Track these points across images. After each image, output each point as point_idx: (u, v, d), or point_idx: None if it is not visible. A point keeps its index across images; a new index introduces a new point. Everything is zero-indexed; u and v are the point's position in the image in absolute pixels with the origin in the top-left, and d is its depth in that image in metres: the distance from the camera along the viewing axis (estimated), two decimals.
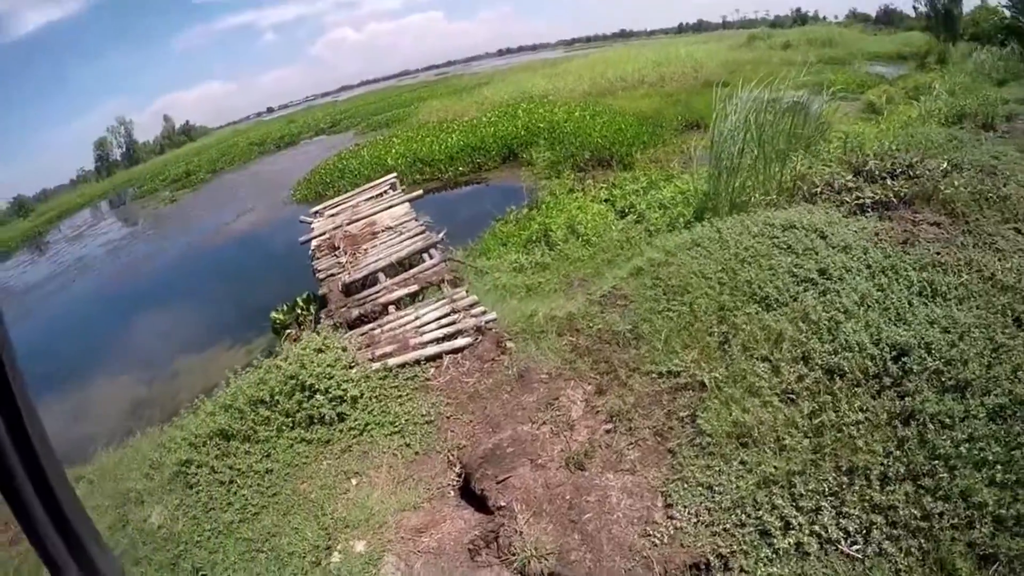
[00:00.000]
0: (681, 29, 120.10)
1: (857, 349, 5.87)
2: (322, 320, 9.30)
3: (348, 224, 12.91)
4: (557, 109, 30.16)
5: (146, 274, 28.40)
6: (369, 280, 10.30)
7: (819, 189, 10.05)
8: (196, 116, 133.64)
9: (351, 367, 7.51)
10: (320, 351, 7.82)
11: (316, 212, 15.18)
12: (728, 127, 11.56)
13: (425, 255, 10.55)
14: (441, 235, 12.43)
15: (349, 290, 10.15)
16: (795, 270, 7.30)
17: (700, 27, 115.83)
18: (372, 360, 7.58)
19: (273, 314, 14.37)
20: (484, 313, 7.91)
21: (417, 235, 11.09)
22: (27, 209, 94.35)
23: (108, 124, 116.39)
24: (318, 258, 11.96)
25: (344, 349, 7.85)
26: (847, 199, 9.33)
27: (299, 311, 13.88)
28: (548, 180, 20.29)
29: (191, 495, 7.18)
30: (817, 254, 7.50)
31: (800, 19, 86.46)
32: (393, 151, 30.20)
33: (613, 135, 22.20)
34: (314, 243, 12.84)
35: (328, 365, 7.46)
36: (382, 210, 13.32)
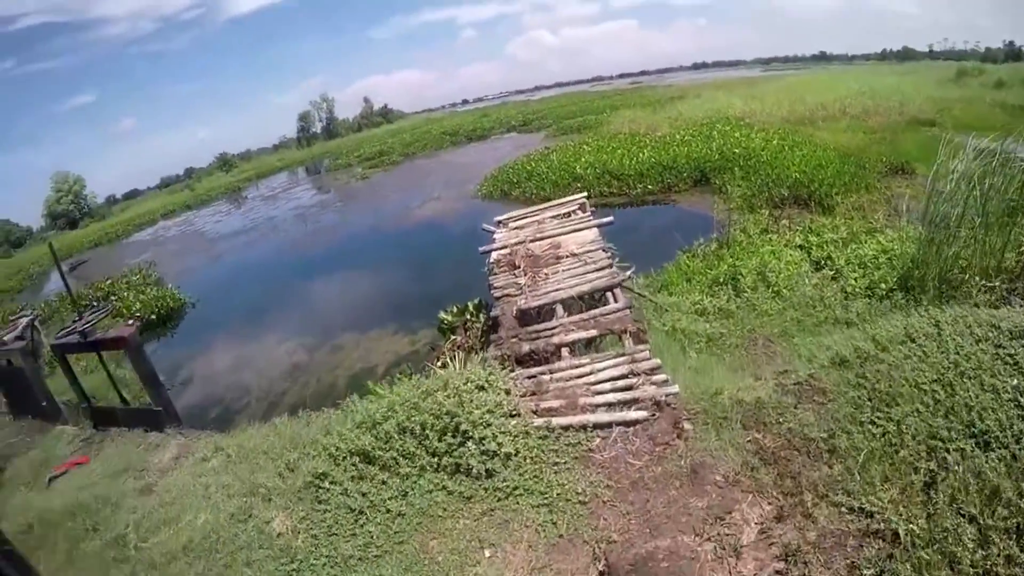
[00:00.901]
0: (884, 56, 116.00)
1: None
2: (491, 347, 8.49)
3: (531, 241, 12.09)
4: (754, 135, 28.50)
5: (328, 244, 29.72)
6: (545, 310, 9.43)
7: None
8: (393, 100, 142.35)
9: (512, 416, 6.63)
10: (482, 388, 7.01)
11: (500, 222, 14.50)
12: (948, 186, 9.87)
13: (609, 294, 9.53)
14: (629, 274, 11.38)
15: (523, 317, 9.34)
16: (1022, 399, 5.57)
17: (905, 55, 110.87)
18: (535, 413, 6.65)
19: (442, 314, 14.12)
20: (665, 383, 6.70)
21: (603, 268, 10.02)
22: (230, 165, 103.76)
23: (311, 99, 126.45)
24: (496, 273, 11.23)
25: (508, 392, 6.99)
26: None
27: (468, 316, 13.40)
28: (741, 214, 18.87)
29: (318, 511, 6.71)
30: None
31: (1014, 54, 78.96)
32: (582, 159, 29.56)
33: (812, 171, 20.37)
34: (494, 255, 12.12)
35: (488, 410, 6.61)
36: (569, 232, 12.38)
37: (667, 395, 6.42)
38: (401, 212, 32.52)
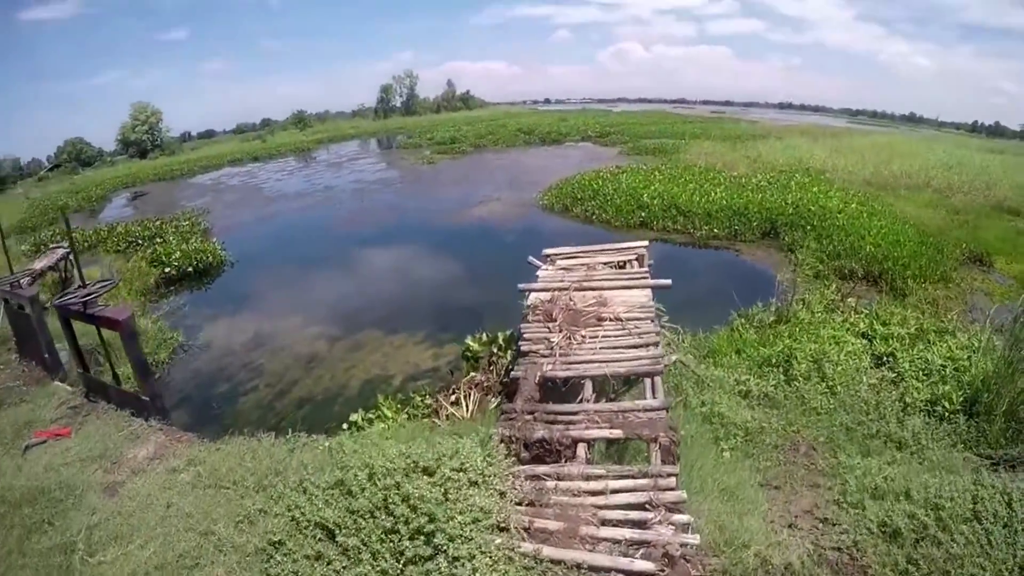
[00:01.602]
0: (975, 128, 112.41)
1: None
2: (502, 417, 7.40)
3: (576, 289, 10.97)
4: (833, 193, 27.05)
5: (377, 227, 29.06)
6: (571, 383, 8.38)
7: None
8: (477, 88, 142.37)
9: (500, 529, 5.59)
10: (474, 484, 6.00)
11: (548, 257, 13.37)
12: None
13: (648, 383, 8.40)
14: (675, 358, 10.30)
15: (546, 385, 8.30)
16: None
17: (996, 131, 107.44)
18: (527, 532, 5.59)
19: (469, 340, 13.28)
20: (687, 528, 5.55)
21: (648, 346, 8.86)
22: (304, 123, 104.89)
23: (395, 74, 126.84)
24: (529, 321, 10.22)
25: (502, 495, 5.96)
26: None
27: (495, 350, 12.48)
28: (807, 281, 17.62)
29: None
30: None
31: None
32: (652, 188, 28.44)
33: (889, 246, 19.01)
34: (532, 297, 11.12)
35: (473, 518, 5.59)
36: (619, 287, 11.19)
37: (684, 545, 5.30)
38: (458, 207, 31.66)
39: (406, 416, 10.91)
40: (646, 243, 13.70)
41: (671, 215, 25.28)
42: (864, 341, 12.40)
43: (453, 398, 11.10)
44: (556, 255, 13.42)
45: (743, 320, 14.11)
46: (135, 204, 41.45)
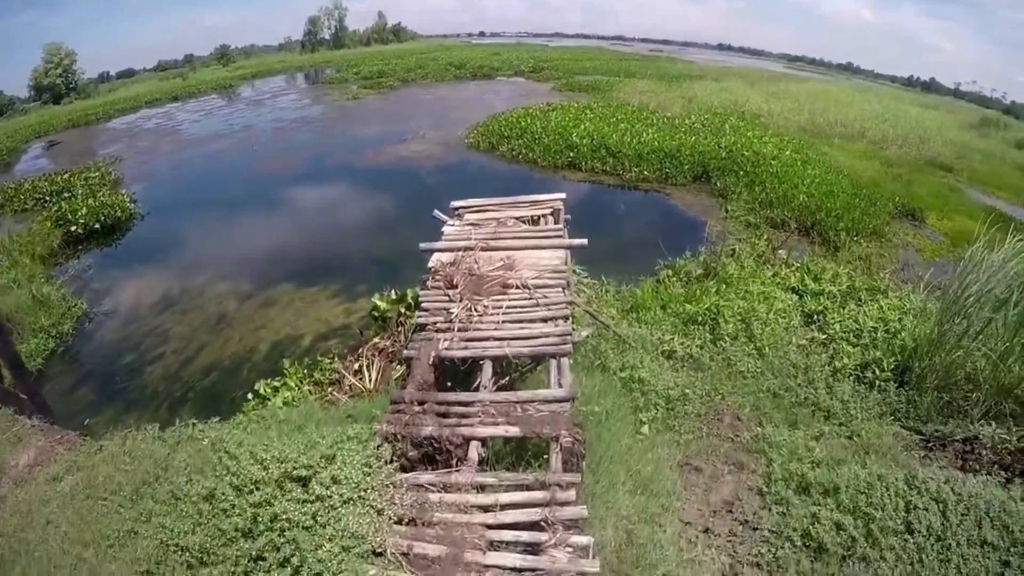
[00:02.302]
0: (911, 82, 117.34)
1: None
2: (386, 416, 6.54)
3: (483, 248, 10.03)
4: (767, 138, 26.78)
5: (295, 169, 27.57)
6: (469, 363, 7.63)
7: None
8: (409, 20, 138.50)
9: (375, 554, 4.89)
10: (349, 501, 5.25)
11: (455, 210, 12.40)
12: (982, 275, 8.50)
13: (554, 365, 7.68)
14: (585, 333, 9.59)
15: (441, 365, 7.53)
16: None
17: (931, 86, 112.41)
18: (405, 558, 4.85)
19: (376, 299, 12.57)
20: (586, 552, 4.78)
21: (557, 319, 8.12)
22: (228, 59, 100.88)
23: (323, 5, 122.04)
24: (428, 287, 9.33)
25: (380, 513, 5.23)
26: None
27: (404, 310, 11.69)
28: (737, 227, 17.48)
29: None
30: None
31: None
32: (582, 127, 27.55)
33: (822, 197, 18.83)
34: (434, 258, 10.15)
35: (343, 547, 4.86)
36: (530, 247, 10.26)
37: (581, 574, 4.66)
38: (380, 146, 30.28)
39: (312, 384, 10.32)
40: (562, 196, 12.78)
41: (600, 156, 24.54)
42: (795, 297, 12.14)
43: (356, 366, 10.31)
44: (465, 208, 12.53)
45: (670, 272, 13.61)
46: (49, 154, 38.68)
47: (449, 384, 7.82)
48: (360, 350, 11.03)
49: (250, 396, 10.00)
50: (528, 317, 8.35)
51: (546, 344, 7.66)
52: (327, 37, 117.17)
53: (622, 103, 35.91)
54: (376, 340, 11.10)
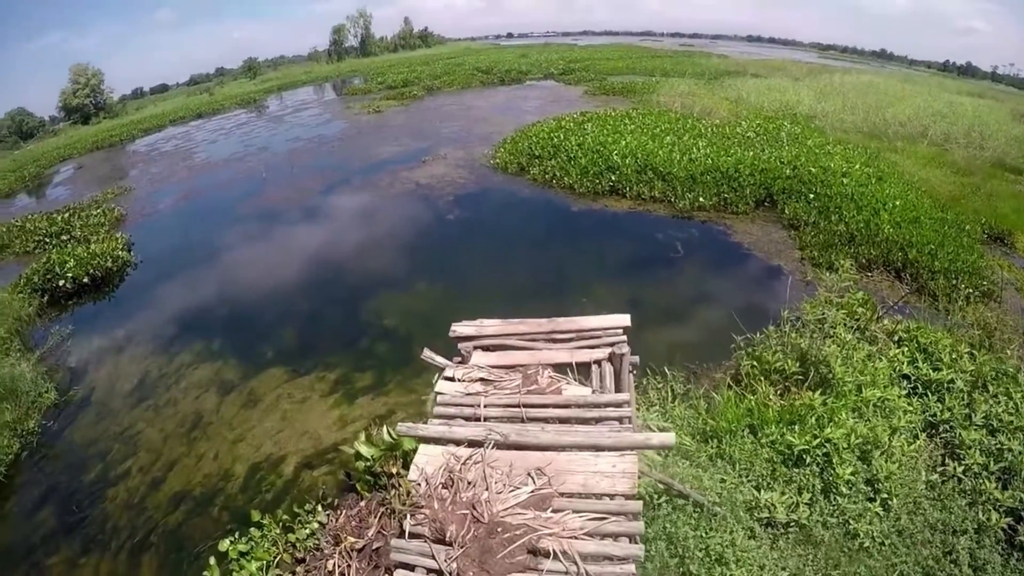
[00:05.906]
0: (946, 67, 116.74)
1: None
2: None
3: (496, 446, 6.49)
4: (832, 149, 23.76)
5: (301, 205, 24.95)
6: None
7: None
8: (436, 24, 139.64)
9: None
10: None
11: (460, 340, 8.56)
12: None
13: None
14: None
15: None
16: None
17: (968, 70, 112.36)
18: None
19: (358, 444, 8.97)
20: None
21: None
22: (255, 72, 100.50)
23: (349, 13, 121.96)
24: (410, 531, 5.76)
25: None
26: None
27: (395, 470, 8.08)
28: (816, 274, 14.43)
29: None
30: None
31: None
32: (623, 143, 24.37)
33: (908, 226, 15.93)
34: (418, 460, 6.71)
35: None
36: (580, 445, 6.40)
37: None
38: (396, 169, 27.70)
39: (288, 547, 7.77)
40: (625, 321, 8.63)
41: (647, 179, 21.45)
42: (907, 385, 9.36)
43: (329, 568, 7.14)
44: (473, 339, 8.68)
45: (753, 364, 10.12)
46: (70, 181, 38.12)
47: None
48: (346, 511, 8.16)
49: (212, 561, 7.54)
50: None
51: None
52: (355, 45, 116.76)
53: (663, 109, 33.03)
54: (352, 539, 7.36)
